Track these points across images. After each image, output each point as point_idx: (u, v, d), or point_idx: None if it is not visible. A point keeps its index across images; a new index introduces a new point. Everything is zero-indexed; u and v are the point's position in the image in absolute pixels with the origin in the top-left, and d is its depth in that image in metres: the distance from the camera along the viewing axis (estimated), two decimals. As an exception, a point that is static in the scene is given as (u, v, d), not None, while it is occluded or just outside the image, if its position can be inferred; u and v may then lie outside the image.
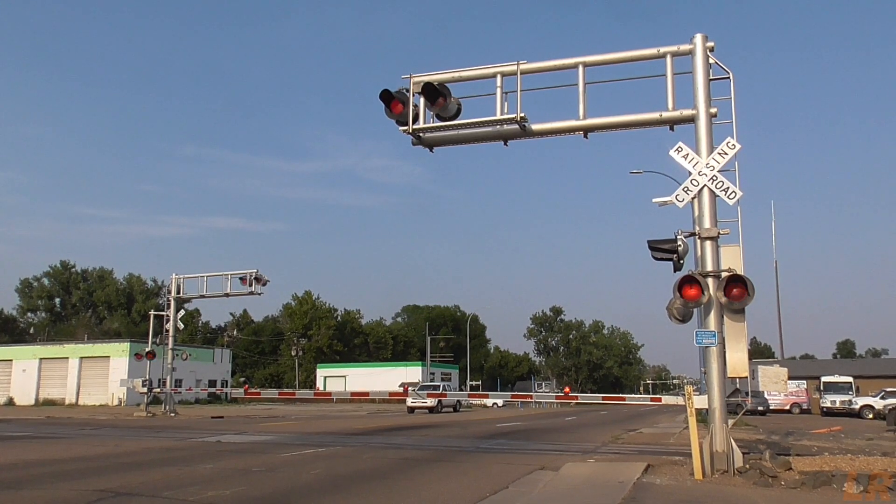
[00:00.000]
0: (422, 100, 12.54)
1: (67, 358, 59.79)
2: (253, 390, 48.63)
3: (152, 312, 39.13)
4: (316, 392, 56.41)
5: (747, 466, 10.44)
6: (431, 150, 13.51)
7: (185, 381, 50.49)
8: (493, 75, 12.63)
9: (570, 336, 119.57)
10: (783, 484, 9.84)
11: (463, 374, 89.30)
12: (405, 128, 12.72)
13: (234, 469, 11.65)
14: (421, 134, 12.87)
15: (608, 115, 12.50)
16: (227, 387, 67.58)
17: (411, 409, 42.51)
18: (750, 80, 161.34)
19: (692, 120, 11.76)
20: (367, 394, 36.05)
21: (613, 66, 12.56)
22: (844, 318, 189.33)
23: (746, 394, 11.82)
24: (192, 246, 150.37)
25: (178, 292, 36.26)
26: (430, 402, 40.41)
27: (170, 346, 36.01)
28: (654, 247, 11.70)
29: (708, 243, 11.14)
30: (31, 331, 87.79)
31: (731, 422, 11.37)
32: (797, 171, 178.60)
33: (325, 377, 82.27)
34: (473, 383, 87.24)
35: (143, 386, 36.32)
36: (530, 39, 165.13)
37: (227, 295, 35.38)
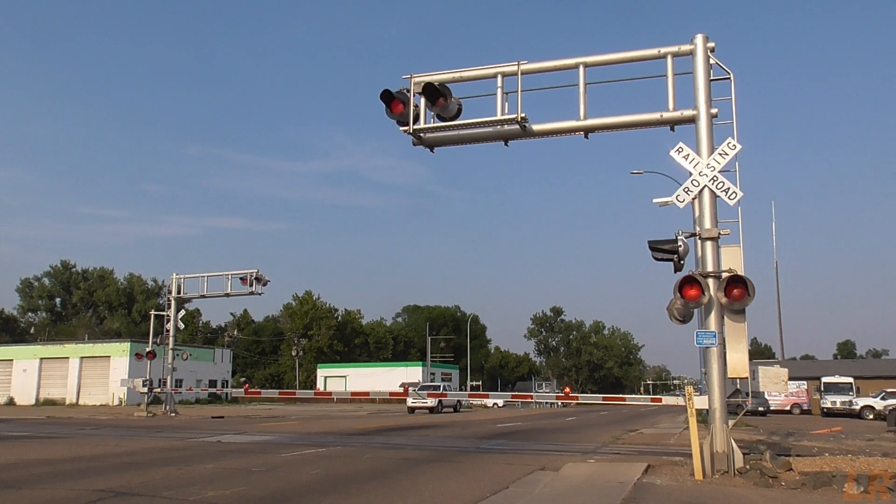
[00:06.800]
0: (422, 100, 12.52)
1: (68, 358, 59.82)
2: (253, 390, 48.59)
3: (153, 312, 39.16)
4: (316, 392, 56.39)
5: (748, 467, 10.44)
6: (432, 151, 13.51)
7: (185, 381, 50.61)
8: (494, 75, 12.62)
9: (571, 336, 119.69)
10: (783, 484, 9.84)
11: (463, 374, 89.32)
12: (406, 128, 12.70)
13: (235, 469, 11.65)
14: (422, 134, 12.86)
15: (609, 116, 12.49)
16: (227, 387, 67.61)
17: (411, 410, 42.51)
18: (751, 80, 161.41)
19: (693, 120, 11.75)
20: (367, 394, 36.14)
21: (614, 66, 12.55)
22: (845, 318, 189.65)
23: (747, 394, 11.80)
24: (194, 246, 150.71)
25: (179, 292, 36.29)
26: (431, 402, 40.42)
27: (170, 345, 36.04)
28: (655, 247, 11.69)
29: (708, 244, 11.13)
30: (32, 331, 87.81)
31: (731, 422, 11.36)
32: (798, 172, 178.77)
33: (326, 377, 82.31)
34: (474, 383, 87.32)
35: (144, 386, 36.37)
36: (531, 40, 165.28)
37: (227, 295, 35.44)
